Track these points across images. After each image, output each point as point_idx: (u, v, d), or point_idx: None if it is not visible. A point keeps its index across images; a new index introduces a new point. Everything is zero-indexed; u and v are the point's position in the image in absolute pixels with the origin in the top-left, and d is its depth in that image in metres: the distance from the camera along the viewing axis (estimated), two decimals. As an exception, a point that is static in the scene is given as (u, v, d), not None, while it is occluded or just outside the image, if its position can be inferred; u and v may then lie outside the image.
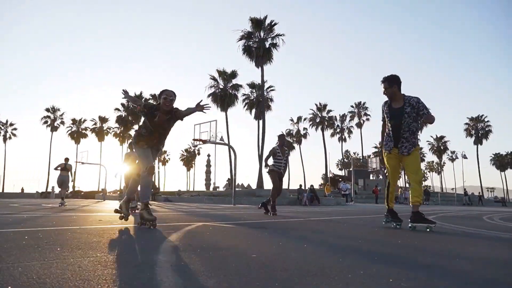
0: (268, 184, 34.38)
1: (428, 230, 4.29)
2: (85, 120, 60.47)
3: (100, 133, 58.72)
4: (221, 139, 17.89)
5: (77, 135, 59.11)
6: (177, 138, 47.26)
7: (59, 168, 13.05)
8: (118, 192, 40.77)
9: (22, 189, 55.34)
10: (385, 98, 4.72)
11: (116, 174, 19.38)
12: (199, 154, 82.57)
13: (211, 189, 48.36)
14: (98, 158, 55.79)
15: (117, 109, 53.40)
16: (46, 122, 58.05)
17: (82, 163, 29.94)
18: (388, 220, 4.91)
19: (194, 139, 17.65)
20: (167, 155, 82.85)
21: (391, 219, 4.83)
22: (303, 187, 24.71)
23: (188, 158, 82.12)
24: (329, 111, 60.52)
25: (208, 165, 40.09)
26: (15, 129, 61.88)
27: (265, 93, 42.44)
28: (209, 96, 38.49)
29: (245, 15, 45.87)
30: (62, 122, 59.26)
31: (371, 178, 54.94)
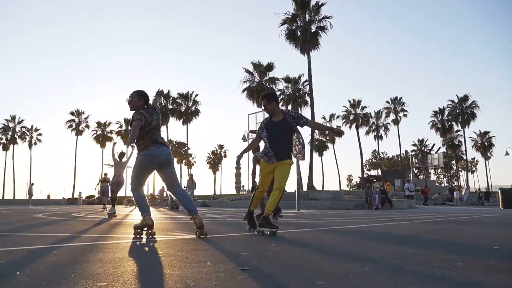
0: (319, 185, 31.24)
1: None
2: (110, 123, 58.55)
3: (126, 136, 56.54)
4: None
5: (102, 138, 57.17)
6: (203, 141, 44.65)
7: (100, 181, 14.63)
8: (149, 197, 38.37)
9: (49, 196, 53.58)
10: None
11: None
12: (225, 156, 79.84)
13: (241, 192, 45.57)
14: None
15: (143, 110, 50.98)
16: (70, 126, 56.33)
17: (111, 165, 27.32)
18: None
19: (251, 131, 14.60)
20: (193, 158, 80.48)
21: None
22: (347, 189, 21.42)
23: (215, 161, 79.49)
24: (364, 107, 56.75)
25: (238, 167, 37.52)
26: (40, 134, 60.53)
27: (301, 87, 39.22)
28: (243, 91, 35.62)
29: None
30: (87, 126, 57.47)
31: (409, 177, 51.24)
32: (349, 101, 56.47)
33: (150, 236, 4.03)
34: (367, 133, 60.04)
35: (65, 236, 4.39)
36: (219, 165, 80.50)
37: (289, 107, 39.50)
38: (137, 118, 3.96)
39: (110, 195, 10.17)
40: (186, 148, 58.23)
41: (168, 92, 49.49)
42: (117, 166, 9.74)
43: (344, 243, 3.63)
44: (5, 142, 58.22)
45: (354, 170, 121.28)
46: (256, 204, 5.01)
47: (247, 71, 36.05)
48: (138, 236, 4.05)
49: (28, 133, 59.75)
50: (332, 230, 5.30)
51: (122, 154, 9.87)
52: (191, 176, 18.80)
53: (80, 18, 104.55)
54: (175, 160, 66.75)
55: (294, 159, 4.70)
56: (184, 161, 59.58)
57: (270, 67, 36.03)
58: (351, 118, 56.10)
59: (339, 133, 4.94)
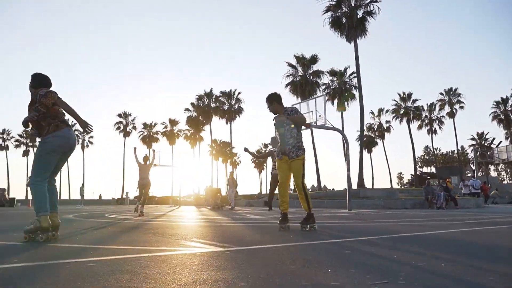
0: (368, 183, 29.33)
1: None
2: (155, 124, 59.48)
3: (171, 136, 57.17)
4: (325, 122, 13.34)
5: (148, 139, 58.19)
6: (247, 140, 43.82)
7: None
8: (193, 197, 38.21)
9: (100, 196, 55.41)
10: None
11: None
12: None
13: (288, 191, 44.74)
14: (170, 162, 54.19)
15: (187, 109, 51.25)
16: (118, 127, 57.90)
17: (155, 165, 27.17)
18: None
19: (294, 122, 13.32)
20: (238, 158, 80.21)
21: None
22: (388, 186, 19.39)
23: (260, 160, 78.71)
24: (415, 100, 53.27)
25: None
26: (91, 137, 62.84)
27: (348, 80, 37.23)
28: (286, 86, 34.33)
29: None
30: (134, 127, 58.76)
31: (467, 174, 47.46)
32: (399, 94, 53.30)
33: (51, 239, 3.48)
34: (419, 127, 56.40)
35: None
36: (264, 164, 79.69)
37: (335, 102, 37.70)
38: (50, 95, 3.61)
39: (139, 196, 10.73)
40: (230, 147, 57.84)
41: (211, 90, 49.35)
42: (142, 169, 10.33)
43: (446, 265, 2.31)
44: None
45: (404, 168, 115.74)
46: (283, 202, 5.08)
47: (290, 65, 34.70)
48: (30, 240, 3.42)
49: (80, 136, 62.16)
50: (406, 239, 3.96)
51: (146, 158, 10.48)
52: (231, 174, 17.87)
53: (124, 22, 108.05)
54: (220, 159, 67.20)
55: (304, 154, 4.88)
56: (229, 160, 59.13)
57: (314, 59, 34.45)
58: (401, 112, 52.95)
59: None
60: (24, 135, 60.00)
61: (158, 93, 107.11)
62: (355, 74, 36.86)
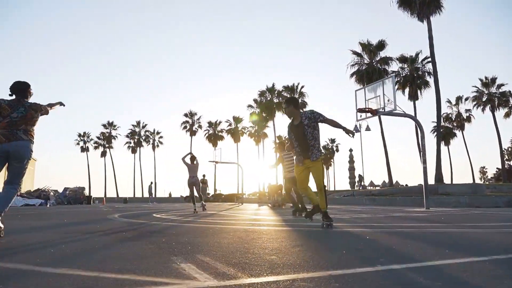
0: (446, 178, 26.45)
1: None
2: (220, 122, 60.12)
3: (235, 134, 57.41)
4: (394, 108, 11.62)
5: (214, 137, 59.00)
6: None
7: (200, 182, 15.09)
8: (258, 195, 37.76)
9: (170, 194, 57.35)
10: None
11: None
12: (337, 151, 76.23)
13: (356, 187, 42.01)
14: (235, 160, 54.39)
15: (249, 105, 50.91)
16: (185, 127, 59.42)
17: (217, 162, 26.99)
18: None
19: (359, 109, 11.80)
20: (304, 154, 78.54)
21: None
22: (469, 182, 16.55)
23: (327, 156, 76.46)
24: (500, 85, 47.51)
25: (351, 161, 34.31)
26: (161, 137, 65.34)
27: (420, 66, 34.05)
28: (352, 75, 32.27)
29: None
30: (200, 126, 59.90)
31: None
32: (481, 80, 47.92)
33: None
34: (507, 115, 50.35)
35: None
36: (332, 160, 77.24)
37: (406, 91, 34.76)
38: None
39: (196, 194, 10.90)
40: (295, 143, 56.57)
41: (273, 85, 48.39)
42: (191, 169, 10.79)
43: None
44: (133, 145, 64.23)
45: (487, 161, 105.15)
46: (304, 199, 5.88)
47: (355, 53, 32.56)
48: None
49: (151, 137, 65.03)
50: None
51: (193, 157, 10.94)
52: (293, 169, 16.71)
53: (187, 24, 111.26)
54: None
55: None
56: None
57: (381, 45, 31.94)
58: (483, 99, 47.61)
59: (349, 133, 4.89)
60: (102, 137, 64.17)
61: (222, 91, 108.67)
62: (429, 59, 33.64)
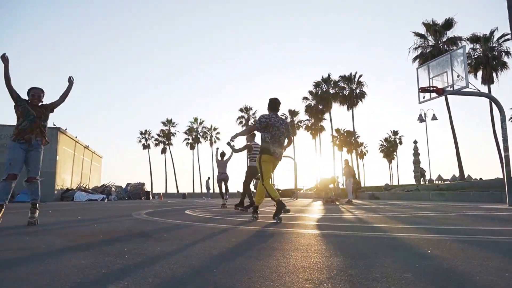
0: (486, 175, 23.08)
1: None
2: (276, 116, 58.94)
3: (291, 128, 56.10)
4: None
5: (269, 132, 58.07)
6: (373, 127, 39.52)
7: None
8: (311, 191, 36.33)
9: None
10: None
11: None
12: (401, 143, 71.81)
13: (422, 181, 38.74)
14: (292, 155, 53.16)
15: (305, 98, 49.22)
16: (241, 122, 59.19)
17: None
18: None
19: (422, 89, 10.11)
20: (364, 147, 75.12)
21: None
22: None
23: (389, 149, 72.43)
24: None
25: (416, 154, 31.38)
26: (218, 133, 65.88)
27: (496, 45, 30.33)
28: (414, 59, 29.52)
29: None
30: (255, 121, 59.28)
31: None
32: None
33: None
34: None
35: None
36: (394, 153, 73.01)
37: (478, 75, 31.17)
38: None
39: (224, 190, 10.90)
40: (354, 136, 53.92)
41: (329, 76, 46.31)
42: (220, 165, 10.82)
43: None
44: (191, 142, 65.48)
45: None
46: (276, 193, 5.32)
47: (418, 34, 29.68)
48: None
49: (208, 133, 65.83)
50: None
51: (222, 154, 10.85)
52: (346, 162, 15.25)
53: (240, 20, 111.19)
54: (344, 150, 63.55)
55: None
56: (354, 151, 55.15)
57: (448, 24, 28.78)
58: None
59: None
60: (162, 135, 66.17)
61: (277, 84, 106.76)
62: (507, 37, 29.76)
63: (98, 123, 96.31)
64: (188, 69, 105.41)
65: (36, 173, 4.83)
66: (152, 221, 5.55)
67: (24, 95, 5.03)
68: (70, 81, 5.37)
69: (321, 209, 9.61)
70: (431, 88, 9.61)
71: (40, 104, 5.02)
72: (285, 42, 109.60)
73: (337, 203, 13.73)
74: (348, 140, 58.51)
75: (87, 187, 33.83)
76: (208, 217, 6.49)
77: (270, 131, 5.30)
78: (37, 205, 4.88)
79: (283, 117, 6.00)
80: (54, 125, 28.53)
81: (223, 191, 10.83)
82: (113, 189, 33.00)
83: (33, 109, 4.87)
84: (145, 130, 66.73)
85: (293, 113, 56.20)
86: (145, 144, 66.43)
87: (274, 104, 5.60)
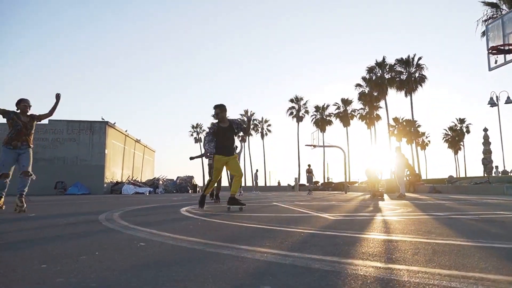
0: None
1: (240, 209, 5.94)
2: (328, 106, 56.30)
3: (344, 118, 53.07)
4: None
5: (321, 123, 55.57)
6: (435, 114, 35.82)
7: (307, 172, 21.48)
8: (358, 184, 33.83)
9: (279, 182, 56.39)
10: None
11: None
12: (468, 132, 65.62)
13: (494, 173, 34.46)
14: (345, 146, 50.41)
15: (358, 84, 46.08)
16: (291, 113, 57.26)
17: (314, 146, 24.16)
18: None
19: (493, 48, 7.83)
20: (426, 137, 69.78)
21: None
22: None
23: (454, 138, 66.54)
24: None
25: (487, 143, 27.57)
26: (269, 125, 64.58)
27: None
28: (484, 34, 25.75)
29: None
30: (306, 111, 57.05)
31: None
32: None
33: None
34: None
35: None
36: (461, 143, 66.94)
37: None
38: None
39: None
40: (415, 125, 49.77)
41: (383, 59, 42.77)
42: None
43: None
44: (242, 134, 64.81)
45: None
46: (209, 190, 6.57)
47: (488, 3, 25.89)
48: None
49: (259, 125, 64.72)
50: None
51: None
52: (397, 149, 13.11)
53: (290, 9, 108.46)
54: (404, 140, 58.99)
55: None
56: (414, 141, 50.85)
57: (526, -11, 24.72)
58: None
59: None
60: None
61: (329, 73, 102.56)
62: None
63: (151, 118, 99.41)
64: (238, 61, 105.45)
65: (27, 168, 5.84)
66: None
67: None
68: (58, 97, 6.21)
69: (344, 205, 7.84)
70: (506, 47, 7.33)
71: (28, 114, 6.07)
72: (335, 27, 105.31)
73: (383, 198, 11.77)
74: (408, 129, 54.32)
75: (138, 180, 34.22)
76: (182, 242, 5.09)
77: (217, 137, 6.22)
78: (24, 196, 5.75)
79: (231, 119, 6.44)
80: (102, 119, 28.96)
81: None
82: (160, 182, 33.10)
83: (21, 119, 5.96)
84: (197, 124, 67.25)
85: (346, 102, 53.19)
86: (197, 137, 66.94)
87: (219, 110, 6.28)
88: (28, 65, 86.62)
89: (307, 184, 22.88)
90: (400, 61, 41.27)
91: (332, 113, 55.35)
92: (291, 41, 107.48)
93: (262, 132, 64.21)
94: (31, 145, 6.01)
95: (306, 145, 25.24)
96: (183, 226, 3.81)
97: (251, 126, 63.46)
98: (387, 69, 41.94)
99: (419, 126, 55.74)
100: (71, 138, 28.08)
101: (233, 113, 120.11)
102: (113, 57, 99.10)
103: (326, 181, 51.18)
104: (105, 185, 27.69)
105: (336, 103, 54.60)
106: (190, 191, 33.66)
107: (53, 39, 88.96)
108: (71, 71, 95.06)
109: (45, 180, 24.99)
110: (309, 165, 22.16)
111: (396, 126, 57.57)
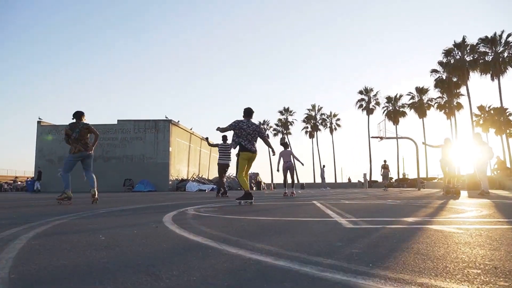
0: None
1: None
2: (401, 96, 52.27)
3: (420, 108, 48.76)
4: None
5: (394, 114, 51.74)
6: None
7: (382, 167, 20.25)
8: (437, 180, 30.43)
9: (349, 179, 53.83)
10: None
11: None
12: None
13: None
14: (422, 139, 46.32)
15: (434, 70, 41.83)
16: (361, 105, 54.22)
17: (381, 138, 22.01)
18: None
19: None
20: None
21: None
22: None
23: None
24: None
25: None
26: (338, 119, 62.09)
27: None
28: None
29: None
30: (377, 103, 53.60)
31: None
32: None
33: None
34: None
35: None
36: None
37: None
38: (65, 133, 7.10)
39: (289, 179, 11.74)
40: (505, 114, 43.96)
41: (463, 39, 38.21)
42: (285, 155, 11.70)
43: None
44: (310, 130, 63.08)
45: None
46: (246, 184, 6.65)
47: None
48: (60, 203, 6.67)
49: (327, 120, 62.51)
50: None
51: (286, 144, 12.04)
52: (477, 136, 10.93)
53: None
54: (492, 131, 52.36)
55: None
56: (505, 132, 44.75)
57: None
58: None
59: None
60: (279, 124, 65.36)
61: (398, 58, 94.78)
62: None
63: (218, 117, 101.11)
64: (303, 55, 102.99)
65: (89, 169, 7.07)
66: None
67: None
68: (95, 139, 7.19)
69: (397, 205, 6.26)
70: None
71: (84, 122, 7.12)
72: (405, 7, 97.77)
73: (458, 196, 9.82)
74: (496, 118, 48.35)
75: (205, 177, 34.48)
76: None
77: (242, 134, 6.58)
78: (95, 189, 7.06)
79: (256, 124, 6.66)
80: (166, 117, 29.51)
81: (289, 181, 11.79)
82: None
83: (79, 128, 6.95)
84: (263, 120, 66.85)
85: (421, 90, 48.85)
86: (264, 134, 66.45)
87: (247, 112, 6.80)
88: (94, 67, 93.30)
89: (383, 181, 21.17)
90: (484, 40, 36.51)
91: (405, 104, 51.32)
92: (354, 33, 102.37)
93: (330, 127, 61.97)
94: (91, 150, 7.17)
95: (372, 137, 23.18)
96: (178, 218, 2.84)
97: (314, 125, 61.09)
98: (468, 50, 37.42)
99: (510, 114, 49.33)
100: (137, 137, 29.01)
101: (299, 109, 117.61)
102: (182, 57, 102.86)
103: (400, 176, 47.61)
104: (170, 182, 28.15)
105: (410, 92, 50.51)
106: (254, 188, 33.13)
107: (117, 39, 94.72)
108: (139, 71, 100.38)
109: (115, 178, 26.16)
110: (384, 161, 21.08)
111: (482, 115, 51.65)
